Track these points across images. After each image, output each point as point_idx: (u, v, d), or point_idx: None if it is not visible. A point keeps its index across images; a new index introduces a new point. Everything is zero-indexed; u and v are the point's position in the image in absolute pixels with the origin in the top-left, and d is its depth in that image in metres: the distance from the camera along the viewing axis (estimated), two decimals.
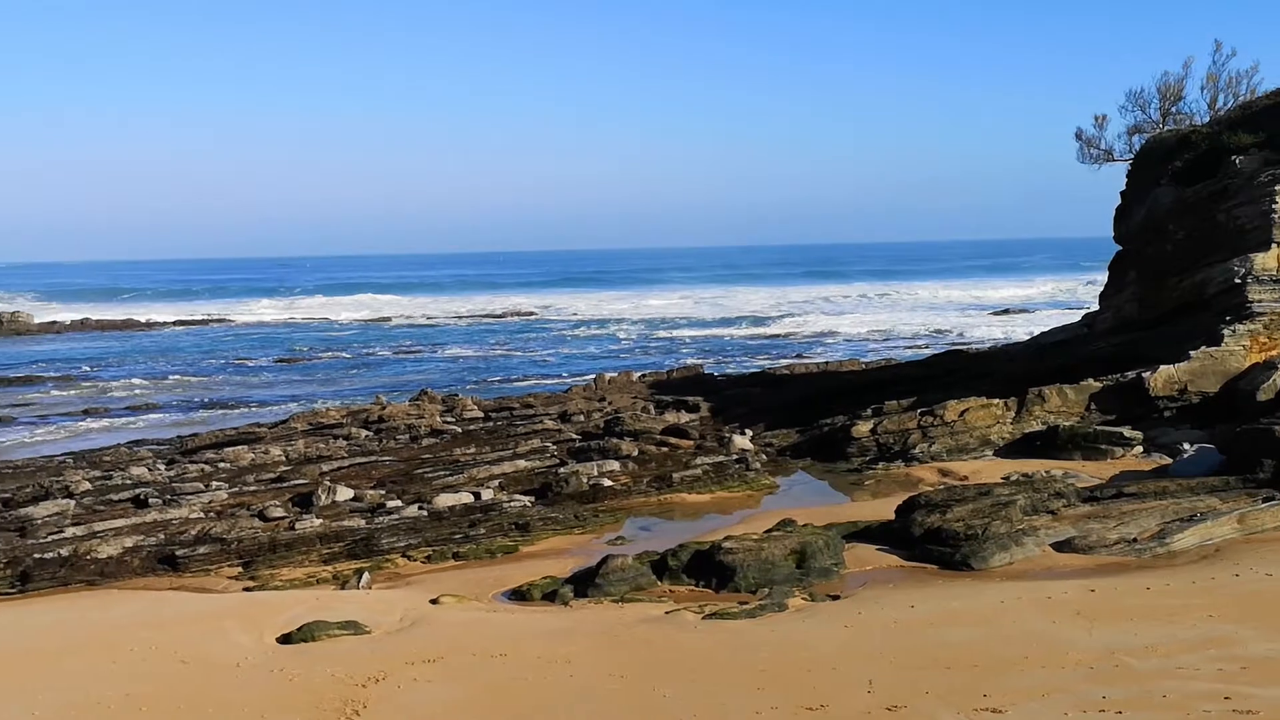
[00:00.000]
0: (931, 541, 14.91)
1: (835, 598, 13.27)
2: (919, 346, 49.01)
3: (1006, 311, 71.13)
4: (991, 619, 11.47)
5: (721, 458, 22.42)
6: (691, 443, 24.33)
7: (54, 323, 75.49)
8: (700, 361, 43.54)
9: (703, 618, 12.39)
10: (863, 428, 22.95)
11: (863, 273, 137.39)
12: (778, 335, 59.39)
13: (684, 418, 26.70)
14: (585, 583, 14.20)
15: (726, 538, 15.00)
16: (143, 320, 78.49)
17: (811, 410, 26.21)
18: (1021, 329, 53.05)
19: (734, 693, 9.64)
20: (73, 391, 40.24)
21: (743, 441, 23.63)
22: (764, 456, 22.88)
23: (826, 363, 37.37)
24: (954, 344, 46.44)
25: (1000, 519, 14.99)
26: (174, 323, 78.13)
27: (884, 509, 17.20)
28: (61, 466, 24.20)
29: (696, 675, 10.17)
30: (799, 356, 45.22)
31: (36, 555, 16.88)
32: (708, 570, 14.36)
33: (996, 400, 22.86)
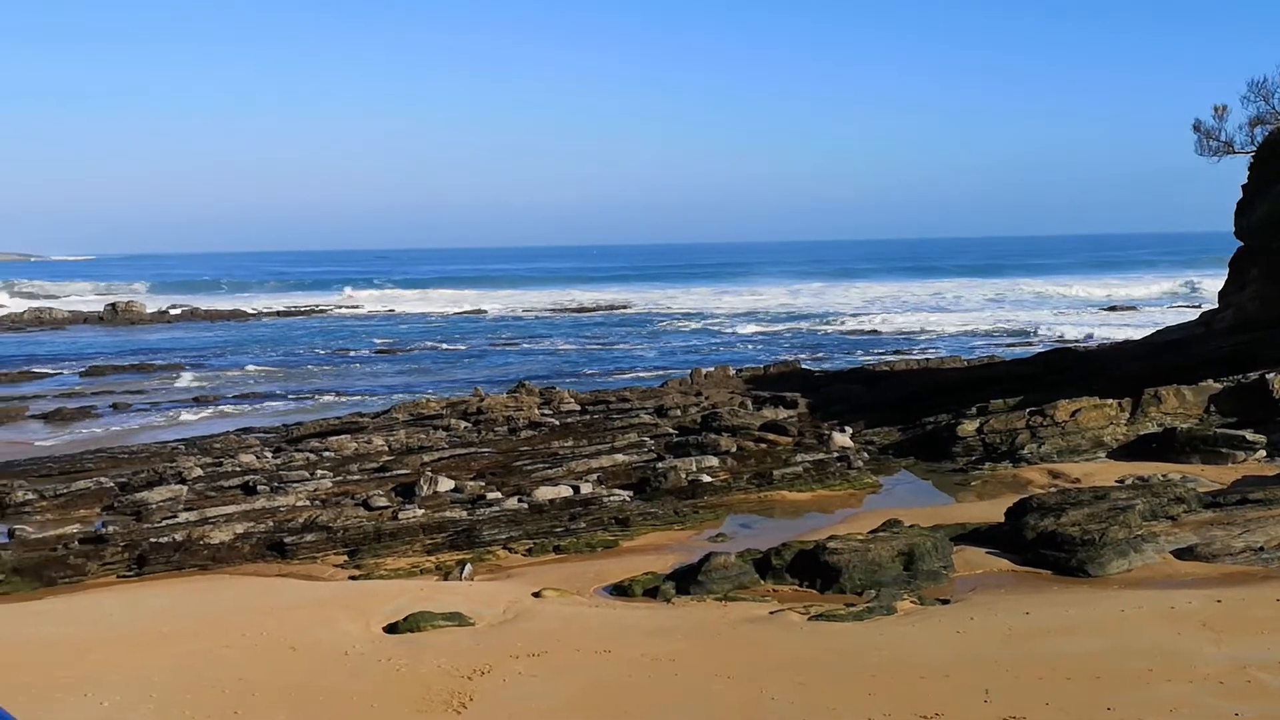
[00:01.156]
0: (1045, 546, 14.46)
1: (945, 602, 12.95)
2: (1024, 344, 47.80)
3: (1114, 309, 69.05)
4: (1112, 629, 11.04)
5: (822, 455, 22.09)
6: (790, 439, 24.04)
7: (164, 312, 77.80)
8: (797, 357, 43.13)
9: (808, 619, 12.17)
10: (968, 427, 22.41)
11: (963, 268, 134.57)
12: (877, 331, 58.45)
13: (782, 414, 26.38)
14: (687, 580, 14.08)
15: (831, 537, 14.76)
16: (249, 310, 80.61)
17: (913, 408, 25.75)
18: (1131, 327, 51.40)
19: (844, 698, 9.41)
20: (184, 379, 41.46)
21: (843, 439, 23.26)
22: (865, 455, 22.48)
23: (928, 359, 36.66)
24: (1060, 342, 45.18)
25: (1118, 524, 14.45)
26: (276, 313, 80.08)
27: (992, 511, 16.77)
28: (174, 452, 24.91)
29: (805, 678, 9.97)
30: (898, 353, 44.45)
31: (152, 539, 17.38)
32: (812, 570, 14.13)
33: (1110, 400, 22.12)
